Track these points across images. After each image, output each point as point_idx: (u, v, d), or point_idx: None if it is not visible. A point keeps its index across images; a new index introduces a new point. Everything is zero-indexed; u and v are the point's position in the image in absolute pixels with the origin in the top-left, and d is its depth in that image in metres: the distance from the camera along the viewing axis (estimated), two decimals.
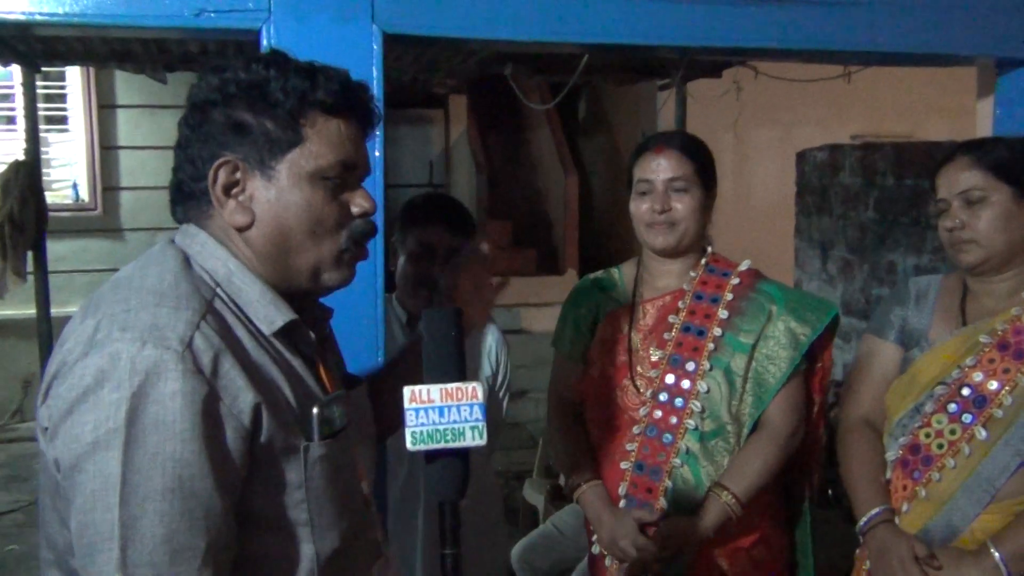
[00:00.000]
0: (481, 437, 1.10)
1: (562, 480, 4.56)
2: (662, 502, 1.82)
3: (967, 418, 1.73)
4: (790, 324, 1.85)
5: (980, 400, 1.73)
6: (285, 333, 1.14)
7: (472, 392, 1.10)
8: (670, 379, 1.85)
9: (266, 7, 1.71)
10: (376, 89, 1.75)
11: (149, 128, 6.62)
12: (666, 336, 1.89)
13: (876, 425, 1.91)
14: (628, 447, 1.87)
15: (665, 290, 1.95)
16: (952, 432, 1.74)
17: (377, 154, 1.77)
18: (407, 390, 1.11)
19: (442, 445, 1.09)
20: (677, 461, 1.83)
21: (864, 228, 5.13)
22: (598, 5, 1.97)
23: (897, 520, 1.79)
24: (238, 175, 1.12)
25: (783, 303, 1.88)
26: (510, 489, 4.69)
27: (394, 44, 1.83)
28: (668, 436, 1.84)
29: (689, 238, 1.90)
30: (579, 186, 7.98)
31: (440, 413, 1.10)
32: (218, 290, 1.11)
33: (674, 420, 1.83)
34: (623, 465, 1.87)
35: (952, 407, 1.75)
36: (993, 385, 1.73)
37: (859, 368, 1.98)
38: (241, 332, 1.09)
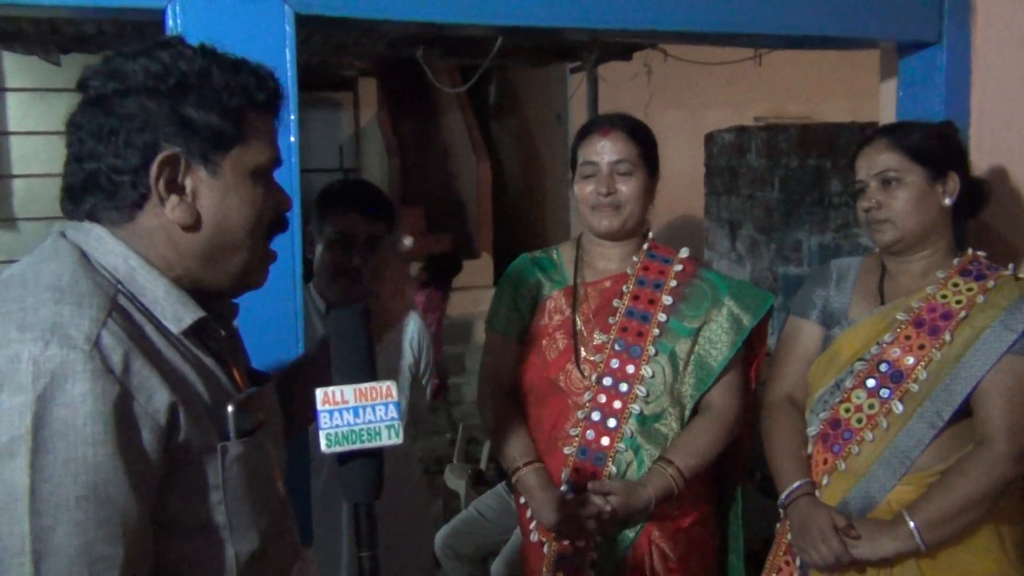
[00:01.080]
0: (397, 436, 1.08)
1: (483, 464, 4.56)
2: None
3: (885, 392, 1.78)
4: (733, 309, 1.88)
5: (897, 375, 1.78)
6: (195, 331, 1.09)
7: (387, 391, 1.09)
8: (615, 363, 1.84)
9: None
10: (289, 72, 1.68)
11: (41, 113, 6.31)
12: (610, 320, 1.88)
13: (798, 402, 1.96)
14: (572, 432, 1.85)
15: (607, 273, 1.94)
16: (871, 407, 1.79)
17: (292, 140, 1.71)
18: (320, 392, 1.08)
19: (358, 446, 1.07)
20: (621, 446, 1.83)
21: (770, 208, 5.25)
22: None
23: (818, 493, 1.83)
24: (180, 170, 1.07)
25: (726, 289, 1.90)
26: (430, 475, 4.66)
27: (304, 25, 1.77)
28: (612, 420, 1.83)
29: (633, 221, 1.89)
30: (491, 170, 7.98)
31: (355, 414, 1.08)
32: (120, 287, 1.04)
33: (618, 404, 1.83)
34: (566, 450, 1.85)
35: (871, 382, 1.80)
36: (909, 360, 1.78)
37: (782, 347, 2.02)
38: (149, 330, 1.04)
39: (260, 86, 1.11)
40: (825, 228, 4.99)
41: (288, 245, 1.72)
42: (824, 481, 1.83)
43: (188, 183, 1.07)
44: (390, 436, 1.08)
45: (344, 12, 1.79)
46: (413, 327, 2.23)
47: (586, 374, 1.86)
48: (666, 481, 1.80)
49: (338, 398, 1.08)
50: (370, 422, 1.08)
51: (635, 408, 1.83)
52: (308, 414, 1.12)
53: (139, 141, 1.04)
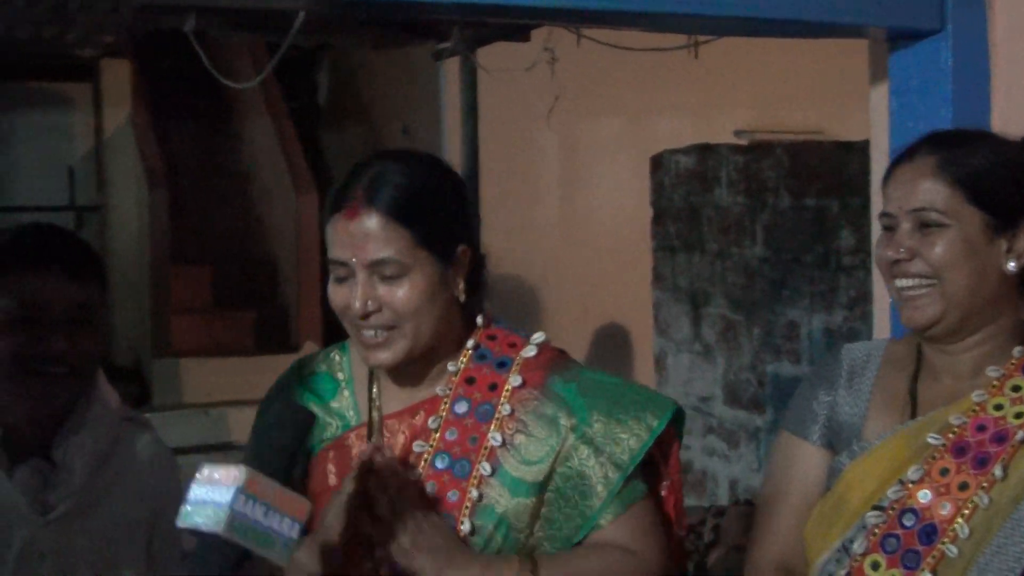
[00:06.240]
0: (285, 560, 1.49)
1: None
2: None
3: (910, 560, 1.87)
4: (597, 457, 1.93)
5: (928, 532, 1.86)
6: None
7: (301, 509, 1.53)
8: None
9: None
10: None
11: None
12: (411, 476, 1.94)
13: (796, 570, 2.03)
14: None
15: (413, 399, 2.00)
16: None
17: None
18: (247, 471, 1.48)
19: (247, 543, 1.46)
20: None
21: (752, 271, 5.44)
22: None
23: None
24: None
25: (585, 415, 1.96)
26: None
27: None
28: None
29: (424, 342, 1.93)
30: (319, 207, 8.08)
31: (264, 512, 1.46)
32: None
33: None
34: None
35: (891, 543, 1.89)
36: (945, 509, 1.86)
37: (769, 485, 2.11)
38: None
39: None
40: (833, 303, 5.19)
41: None
42: None
43: None
44: (281, 556, 1.49)
45: None
46: (152, 454, 2.31)
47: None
48: (512, 566, 1.88)
49: (259, 488, 1.47)
50: (271, 530, 1.47)
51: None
52: None
53: None
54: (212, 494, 1.47)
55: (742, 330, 5.46)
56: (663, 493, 2.07)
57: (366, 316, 1.87)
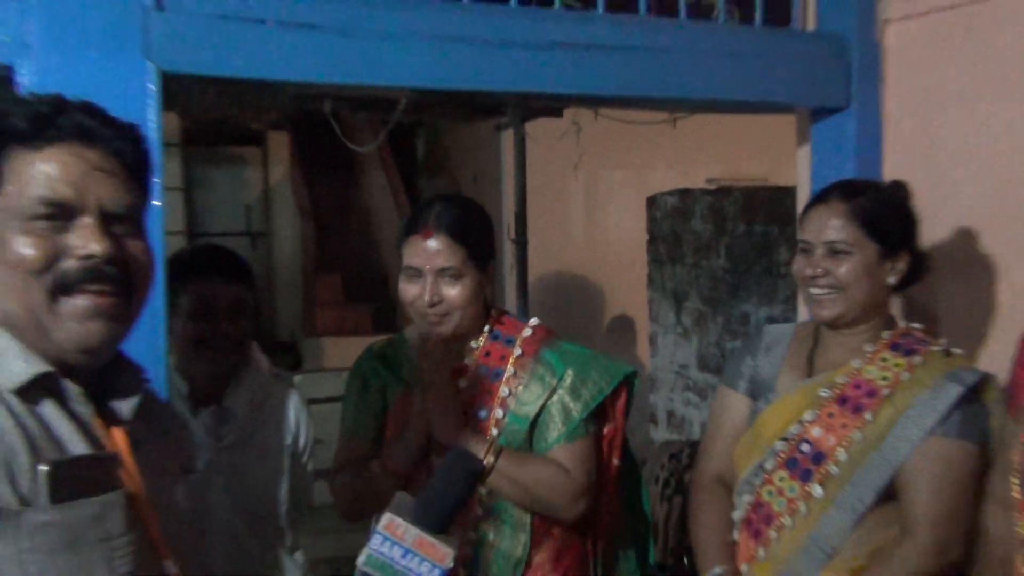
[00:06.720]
0: None
1: None
2: (462, 573, 1.92)
3: (805, 475, 1.88)
4: (564, 398, 1.97)
5: (817, 456, 1.87)
6: (44, 389, 1.13)
7: (442, 555, 1.22)
8: None
9: (20, 39, 1.72)
10: (151, 131, 1.77)
11: None
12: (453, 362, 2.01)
13: (727, 481, 2.05)
14: None
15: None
16: (792, 490, 1.89)
17: (157, 203, 1.79)
18: (388, 517, 1.23)
19: None
20: (473, 535, 1.94)
21: (717, 278, 5.43)
22: (405, 48, 2.09)
23: None
24: None
25: (562, 375, 2.00)
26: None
27: (171, 83, 1.88)
28: None
29: (466, 324, 1.98)
30: None
31: (403, 554, 1.22)
32: None
33: None
34: None
35: (792, 464, 1.90)
36: (830, 441, 1.87)
37: (710, 421, 2.13)
38: None
39: (9, 116, 1.13)
40: (774, 299, 5.17)
41: (148, 320, 1.80)
42: (744, 569, 1.92)
43: None
44: None
45: (214, 71, 1.91)
46: (292, 403, 2.31)
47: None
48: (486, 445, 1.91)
49: (400, 533, 1.23)
50: (409, 570, 1.21)
51: (478, 509, 1.95)
52: None
53: None
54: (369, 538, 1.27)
55: (710, 318, 5.44)
56: (605, 431, 2.08)
57: (432, 306, 1.93)
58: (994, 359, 2.18)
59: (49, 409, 1.12)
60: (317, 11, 1.99)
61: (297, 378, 2.64)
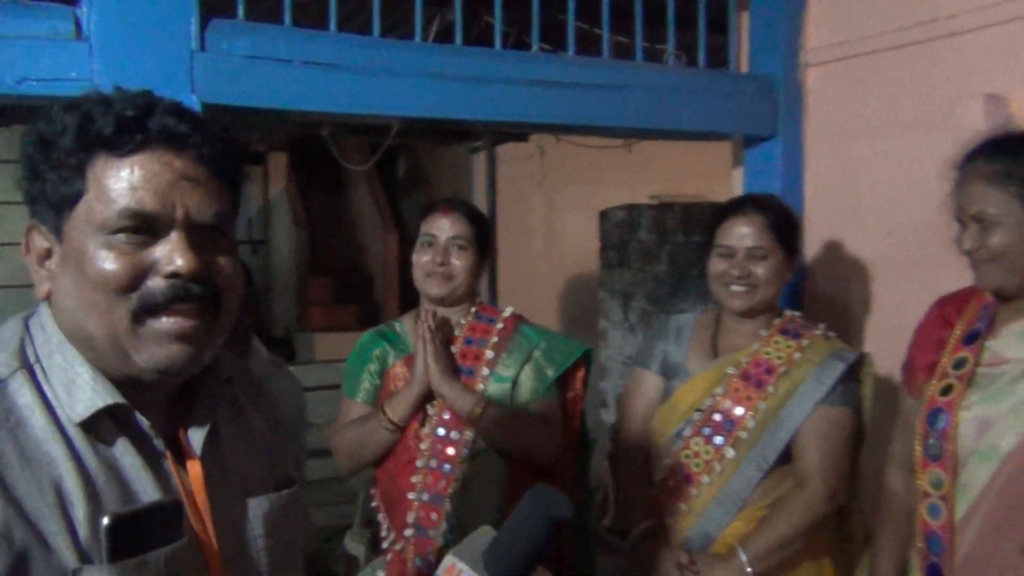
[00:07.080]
0: None
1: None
2: (444, 526, 2.02)
3: (718, 440, 2.01)
4: (540, 361, 2.12)
5: (729, 424, 2.01)
6: (113, 419, 0.95)
7: None
8: (447, 415, 2.06)
9: (89, 76, 1.79)
10: None
11: None
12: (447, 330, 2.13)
13: (643, 446, 2.15)
14: (413, 479, 2.06)
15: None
16: (707, 453, 2.01)
17: None
18: (449, 559, 1.01)
19: None
20: (457, 487, 2.04)
21: (659, 280, 5.51)
22: (408, 83, 2.20)
23: (664, 532, 2.04)
24: (44, 241, 0.97)
25: (538, 345, 2.14)
26: (333, 545, 4.67)
27: (211, 112, 1.95)
28: (447, 466, 2.05)
29: (462, 290, 2.13)
30: (398, 243, 8.14)
31: None
32: (36, 367, 0.95)
33: (451, 451, 2.05)
34: (411, 496, 2.06)
35: (706, 431, 2.02)
36: (739, 411, 2.00)
37: (628, 397, 2.24)
38: (37, 421, 0.91)
39: (94, 120, 0.94)
40: (708, 300, 5.28)
41: None
42: (668, 521, 2.04)
43: (52, 253, 0.97)
44: None
45: (248, 102, 1.99)
46: (287, 378, 2.39)
47: (426, 428, 2.07)
48: (472, 398, 2.02)
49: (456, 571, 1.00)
50: None
51: (465, 451, 2.05)
52: None
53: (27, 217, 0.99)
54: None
55: (653, 316, 5.52)
56: (569, 396, 2.21)
57: (442, 265, 2.06)
58: (883, 342, 2.32)
59: (116, 444, 0.95)
60: (334, 53, 2.09)
61: (291, 369, 2.70)
